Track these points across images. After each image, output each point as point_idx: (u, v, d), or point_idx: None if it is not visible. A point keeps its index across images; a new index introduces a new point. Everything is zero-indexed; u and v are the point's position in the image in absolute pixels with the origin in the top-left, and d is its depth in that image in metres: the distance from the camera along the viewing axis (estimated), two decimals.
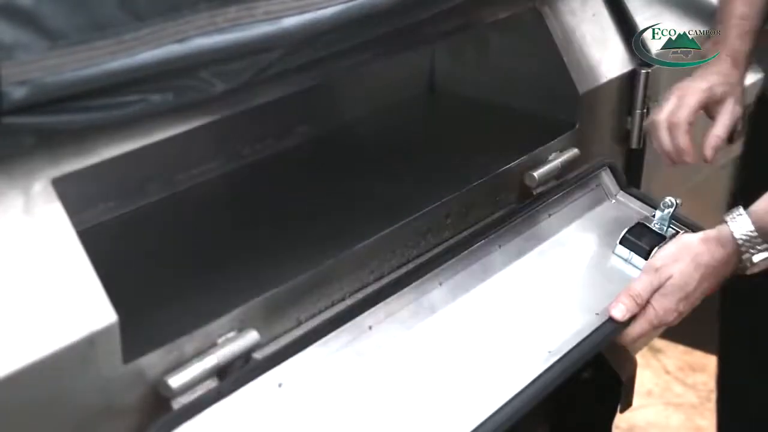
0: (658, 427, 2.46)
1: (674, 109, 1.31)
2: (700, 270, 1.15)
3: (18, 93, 0.79)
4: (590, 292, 1.22)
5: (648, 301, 1.15)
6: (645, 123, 1.35)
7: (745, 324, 1.43)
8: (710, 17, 1.43)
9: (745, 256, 1.14)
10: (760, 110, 1.40)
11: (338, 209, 1.38)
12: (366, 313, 1.08)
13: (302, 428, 0.97)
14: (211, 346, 0.99)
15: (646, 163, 1.50)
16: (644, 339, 1.83)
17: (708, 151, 1.31)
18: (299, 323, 1.10)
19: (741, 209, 1.14)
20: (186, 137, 1.00)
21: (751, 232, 1.13)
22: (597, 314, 1.17)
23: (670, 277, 1.15)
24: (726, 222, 1.15)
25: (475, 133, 1.40)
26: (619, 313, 1.15)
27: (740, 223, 1.14)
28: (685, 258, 1.15)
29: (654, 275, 1.16)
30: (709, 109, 1.33)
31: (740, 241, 1.14)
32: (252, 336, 1.01)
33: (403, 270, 1.22)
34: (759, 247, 1.13)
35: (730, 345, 1.49)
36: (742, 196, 1.38)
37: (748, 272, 1.16)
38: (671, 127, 1.30)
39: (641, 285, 1.16)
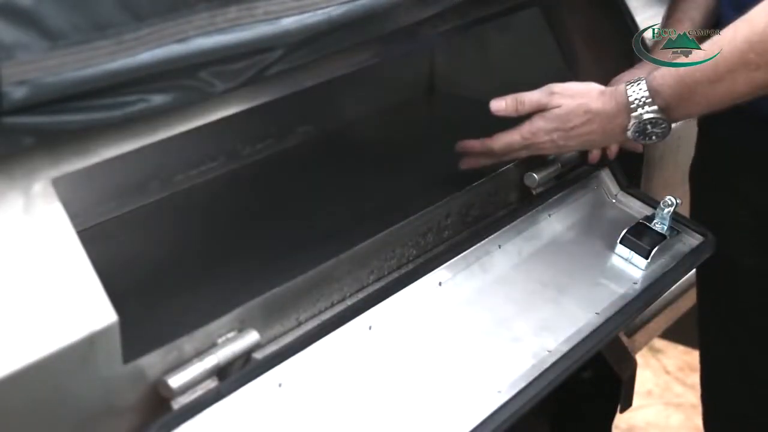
0: (658, 427, 2.47)
1: None
2: (588, 115, 1.23)
3: (18, 93, 0.79)
4: (590, 291, 1.22)
5: (528, 116, 1.25)
6: None
7: (724, 320, 1.44)
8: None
9: (635, 113, 1.19)
10: None
11: (338, 209, 1.38)
12: (366, 313, 1.08)
13: (302, 428, 0.97)
14: (211, 346, 0.99)
15: (646, 163, 1.50)
16: (645, 338, 1.83)
17: None
18: (299, 323, 1.10)
19: (642, 79, 1.21)
20: (186, 137, 1.00)
21: (644, 93, 1.19)
22: (597, 314, 1.17)
23: (558, 107, 1.24)
24: (625, 86, 1.21)
25: (475, 133, 1.39)
26: (498, 104, 1.27)
27: (636, 88, 1.20)
28: (580, 100, 1.23)
29: (546, 96, 1.25)
30: None
31: (631, 98, 1.19)
32: (252, 336, 1.01)
33: (403, 270, 1.22)
34: (648, 106, 1.19)
35: (709, 343, 1.50)
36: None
37: (639, 138, 1.22)
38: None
39: (530, 95, 1.25)
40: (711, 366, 1.50)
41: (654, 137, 1.21)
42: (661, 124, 1.19)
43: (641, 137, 1.21)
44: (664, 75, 1.18)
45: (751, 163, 1.31)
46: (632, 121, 1.20)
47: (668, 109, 1.18)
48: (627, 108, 1.20)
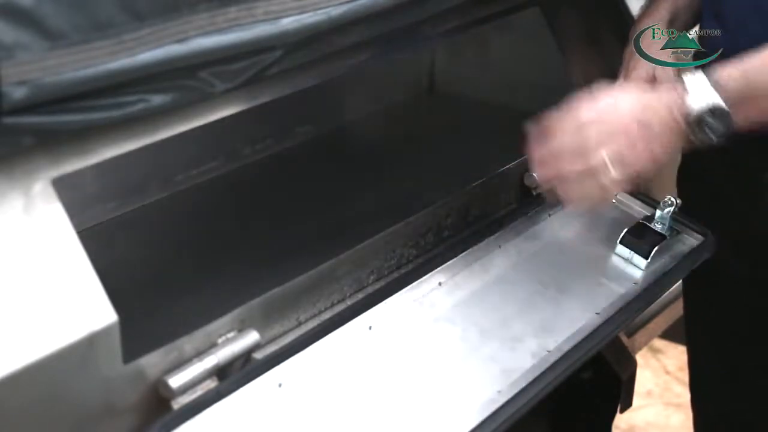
0: (658, 427, 2.46)
1: None
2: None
3: (18, 93, 0.79)
4: (590, 291, 1.22)
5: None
6: None
7: (711, 328, 1.43)
8: None
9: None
10: None
11: (338, 209, 1.38)
12: (366, 313, 1.08)
13: (302, 428, 0.97)
14: (211, 346, 0.99)
15: None
16: (645, 338, 1.84)
17: None
18: (299, 323, 1.10)
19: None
20: (186, 137, 1.00)
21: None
22: (597, 314, 1.17)
23: None
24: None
25: (475, 133, 1.40)
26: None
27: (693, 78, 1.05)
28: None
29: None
30: None
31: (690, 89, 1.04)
32: (252, 336, 1.01)
33: (403, 270, 1.22)
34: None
35: (697, 349, 1.49)
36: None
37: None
38: None
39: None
40: (699, 371, 1.50)
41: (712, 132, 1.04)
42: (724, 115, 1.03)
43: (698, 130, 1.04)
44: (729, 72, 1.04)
45: (738, 175, 1.30)
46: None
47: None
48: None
